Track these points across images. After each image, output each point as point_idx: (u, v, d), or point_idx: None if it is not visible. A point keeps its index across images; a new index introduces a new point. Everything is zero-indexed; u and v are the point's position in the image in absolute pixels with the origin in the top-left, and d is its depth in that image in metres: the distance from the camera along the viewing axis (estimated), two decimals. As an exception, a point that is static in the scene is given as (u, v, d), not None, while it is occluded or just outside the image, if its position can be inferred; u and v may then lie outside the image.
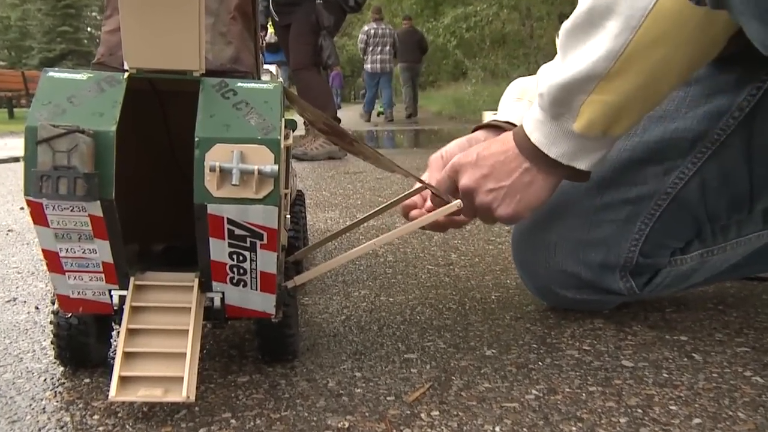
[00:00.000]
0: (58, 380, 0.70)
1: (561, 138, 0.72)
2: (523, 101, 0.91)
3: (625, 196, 0.84)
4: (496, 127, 0.90)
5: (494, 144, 0.78)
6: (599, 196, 0.85)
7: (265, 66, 0.80)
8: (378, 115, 10.20)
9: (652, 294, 0.89)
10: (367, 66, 8.99)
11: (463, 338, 0.82)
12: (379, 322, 0.88)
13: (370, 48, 8.82)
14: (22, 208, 1.93)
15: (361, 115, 9.79)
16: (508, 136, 0.78)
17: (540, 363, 0.74)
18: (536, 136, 0.74)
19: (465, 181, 0.78)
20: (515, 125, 0.87)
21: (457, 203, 0.76)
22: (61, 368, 0.72)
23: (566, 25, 0.68)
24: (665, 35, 0.63)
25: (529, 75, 0.94)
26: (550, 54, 0.95)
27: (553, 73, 0.70)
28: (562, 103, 0.70)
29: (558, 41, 0.70)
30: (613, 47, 0.65)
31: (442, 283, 1.08)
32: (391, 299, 0.99)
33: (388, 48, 8.83)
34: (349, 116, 9.98)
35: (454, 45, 13.01)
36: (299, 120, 0.78)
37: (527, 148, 0.75)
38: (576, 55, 0.68)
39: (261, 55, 0.72)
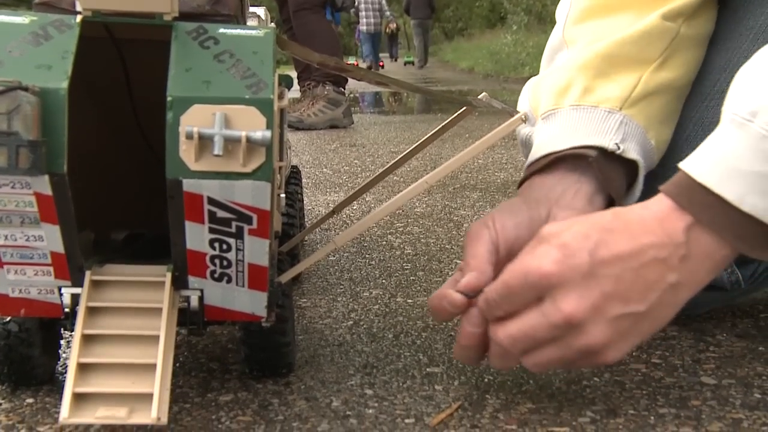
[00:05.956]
0: (-4, 400, 0.72)
1: None
2: (611, 110, 0.75)
3: None
4: (576, 158, 0.73)
5: (620, 229, 0.62)
6: None
7: (252, 9, 0.81)
8: (405, 64, 15.39)
9: (751, 288, 0.89)
10: (362, 27, 13.88)
11: (501, 349, 0.83)
12: (395, 329, 0.90)
13: (362, 12, 13.60)
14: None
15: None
16: (650, 207, 0.62)
17: (596, 379, 0.75)
18: (758, 202, 0.58)
19: (571, 307, 0.59)
20: (605, 151, 0.73)
21: (521, 114, 0.68)
22: (-1, 386, 0.74)
23: None
24: None
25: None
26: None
27: None
28: None
29: None
30: None
31: (474, 282, 1.09)
32: (409, 301, 1.00)
33: (377, 13, 13.77)
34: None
35: (488, -19, 12.98)
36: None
37: (725, 226, 0.59)
38: None
39: None
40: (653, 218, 0.61)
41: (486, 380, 0.75)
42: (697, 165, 0.60)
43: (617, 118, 0.75)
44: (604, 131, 0.74)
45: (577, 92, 0.77)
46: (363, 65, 12.95)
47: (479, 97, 0.75)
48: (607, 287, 0.59)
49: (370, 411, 0.69)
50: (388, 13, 14.64)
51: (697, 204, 0.60)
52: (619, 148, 0.72)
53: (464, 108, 0.78)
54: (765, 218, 0.58)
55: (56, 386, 0.74)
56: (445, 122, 0.81)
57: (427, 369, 0.78)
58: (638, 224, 0.61)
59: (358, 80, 0.73)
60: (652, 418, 0.67)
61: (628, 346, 0.62)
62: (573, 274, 0.59)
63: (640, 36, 0.77)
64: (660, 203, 0.62)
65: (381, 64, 14.48)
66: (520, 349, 0.62)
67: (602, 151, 0.73)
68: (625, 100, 0.76)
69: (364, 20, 13.83)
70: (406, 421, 0.67)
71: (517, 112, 0.72)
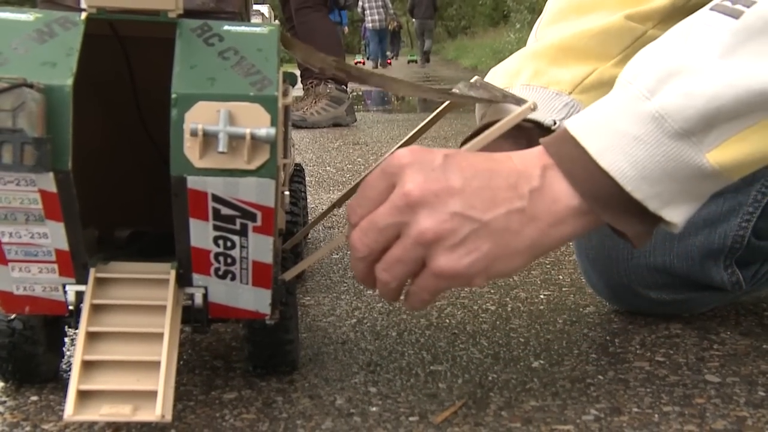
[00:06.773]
0: None
1: (671, 171, 0.57)
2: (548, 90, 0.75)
3: None
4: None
5: (484, 155, 0.62)
6: None
7: (256, 6, 0.81)
8: (408, 63, 15.66)
9: (754, 288, 0.89)
10: (368, 24, 14.79)
11: (504, 346, 0.83)
12: (399, 327, 0.90)
13: (367, 11, 14.48)
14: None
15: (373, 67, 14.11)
16: (532, 151, 0.62)
17: (600, 377, 0.75)
18: (616, 160, 0.57)
19: (413, 185, 0.59)
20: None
21: (530, 104, 0.66)
22: (1, 384, 0.74)
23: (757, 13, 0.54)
24: None
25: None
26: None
27: (712, 76, 0.55)
28: (713, 122, 0.55)
29: (731, 30, 0.55)
30: None
31: (477, 280, 1.09)
32: (413, 299, 1.00)
33: (381, 10, 14.56)
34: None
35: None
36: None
37: (581, 177, 0.59)
38: None
39: None
40: (517, 154, 0.62)
41: (490, 378, 0.75)
42: (576, 120, 0.61)
43: (564, 99, 0.75)
44: (547, 109, 0.74)
45: (528, 74, 0.77)
46: (369, 63, 13.63)
47: (471, 80, 0.73)
48: (454, 183, 0.59)
49: (374, 409, 0.69)
50: (391, 11, 15.29)
51: (564, 154, 0.60)
52: (555, 123, 0.72)
53: (447, 103, 0.77)
54: (619, 178, 0.57)
55: (60, 384, 0.74)
56: (430, 117, 0.81)
57: (431, 367, 0.78)
58: (501, 155, 0.62)
59: (360, 84, 0.73)
60: (656, 416, 0.67)
61: (466, 260, 0.59)
62: (425, 164, 0.59)
63: (599, 32, 0.77)
64: (531, 149, 0.62)
65: (389, 61, 14.68)
66: (366, 244, 0.61)
67: (540, 127, 0.73)
68: (576, 86, 0.76)
69: (372, 17, 14.66)
70: (410, 419, 0.67)
71: (525, 101, 0.70)
